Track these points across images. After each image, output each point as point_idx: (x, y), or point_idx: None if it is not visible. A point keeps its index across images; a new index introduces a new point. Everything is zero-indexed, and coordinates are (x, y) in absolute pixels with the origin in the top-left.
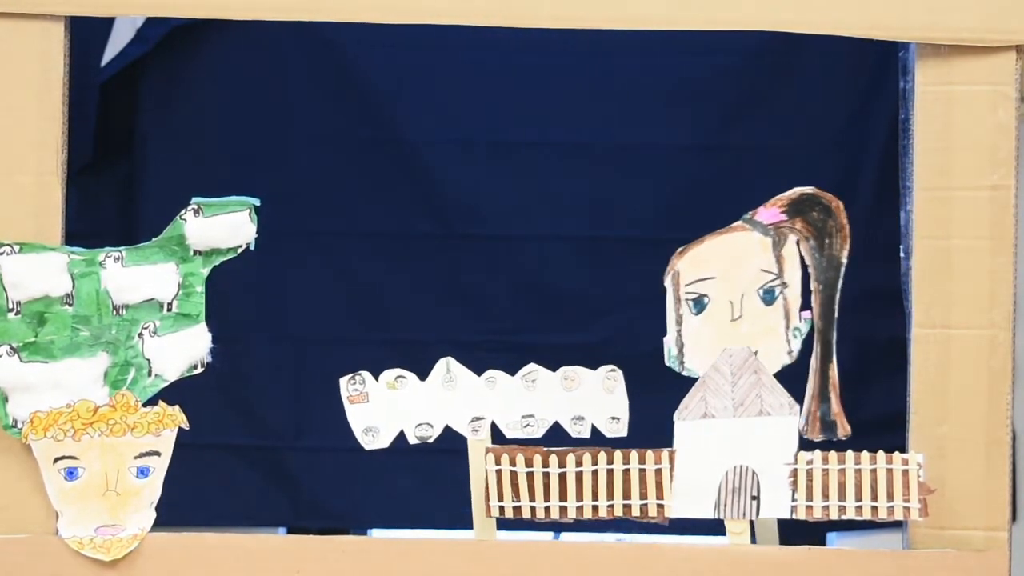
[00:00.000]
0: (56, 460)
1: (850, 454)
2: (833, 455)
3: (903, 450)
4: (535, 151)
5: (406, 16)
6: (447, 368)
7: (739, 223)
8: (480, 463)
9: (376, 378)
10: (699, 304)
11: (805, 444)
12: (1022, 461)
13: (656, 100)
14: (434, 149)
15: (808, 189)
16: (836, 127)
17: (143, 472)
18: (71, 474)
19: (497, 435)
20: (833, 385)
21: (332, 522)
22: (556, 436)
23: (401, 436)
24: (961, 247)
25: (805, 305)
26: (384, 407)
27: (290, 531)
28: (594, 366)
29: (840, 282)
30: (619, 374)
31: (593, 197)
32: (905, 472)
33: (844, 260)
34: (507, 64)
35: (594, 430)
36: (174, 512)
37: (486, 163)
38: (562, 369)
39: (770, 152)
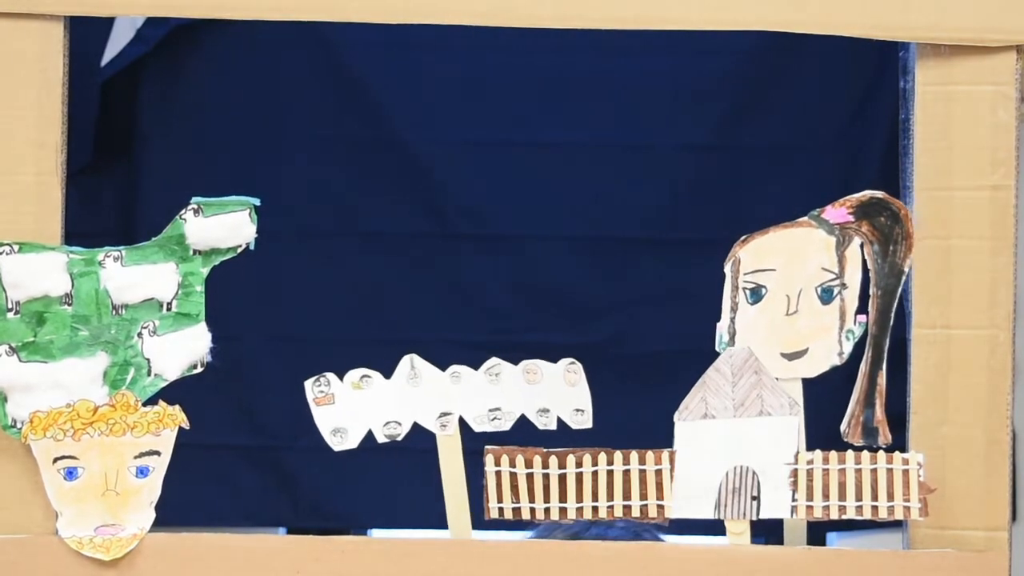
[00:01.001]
0: (55, 460)
1: (850, 454)
2: (833, 455)
3: (903, 450)
4: (535, 151)
5: (406, 16)
6: (411, 365)
7: (805, 219)
8: (451, 460)
9: (341, 379)
10: (756, 294)
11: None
12: (1022, 461)
13: (656, 100)
14: (434, 149)
15: (878, 193)
16: (836, 127)
17: (143, 472)
18: (70, 474)
19: (465, 429)
20: (880, 392)
21: (332, 522)
22: (524, 429)
23: (370, 436)
24: (961, 247)
25: (861, 309)
26: (351, 407)
27: (290, 531)
28: (594, 366)
29: (900, 290)
30: (579, 367)
31: (593, 197)
32: (905, 472)
33: (906, 269)
34: (507, 64)
35: (560, 422)
36: (174, 512)
37: (486, 163)
38: (523, 363)
39: (770, 152)
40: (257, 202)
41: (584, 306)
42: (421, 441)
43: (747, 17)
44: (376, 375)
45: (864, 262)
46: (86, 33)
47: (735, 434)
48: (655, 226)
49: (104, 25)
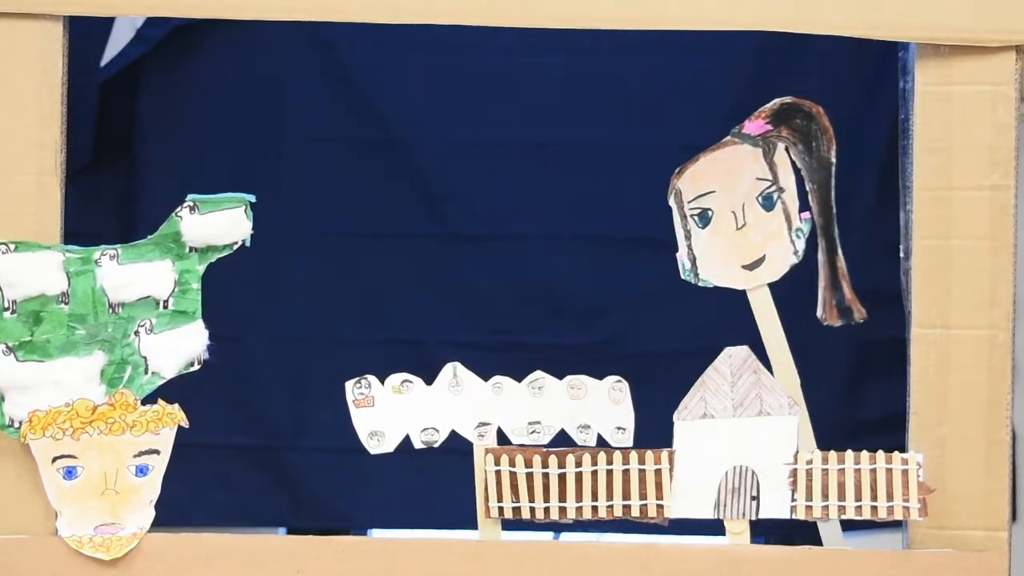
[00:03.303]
0: (55, 459)
1: (850, 454)
2: (833, 455)
3: (903, 450)
4: (535, 151)
5: (406, 16)
6: (453, 373)
7: (728, 138)
8: (483, 467)
9: (382, 382)
10: (704, 218)
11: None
12: (1022, 461)
13: (656, 100)
14: (434, 149)
15: (787, 98)
16: (836, 127)
17: (142, 471)
18: (70, 473)
19: (503, 441)
20: (843, 274)
21: (332, 522)
22: (562, 443)
23: (407, 440)
24: (961, 247)
25: (804, 207)
26: (390, 411)
27: (290, 531)
28: (594, 366)
29: (832, 181)
30: (625, 385)
31: (593, 197)
32: (905, 472)
33: (833, 159)
34: (507, 64)
35: (600, 439)
36: (174, 512)
37: (486, 163)
38: (568, 378)
39: None
40: (252, 198)
41: (584, 306)
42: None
43: (747, 17)
44: (417, 380)
45: (793, 163)
46: (86, 33)
47: (734, 434)
48: (655, 226)
49: (104, 25)
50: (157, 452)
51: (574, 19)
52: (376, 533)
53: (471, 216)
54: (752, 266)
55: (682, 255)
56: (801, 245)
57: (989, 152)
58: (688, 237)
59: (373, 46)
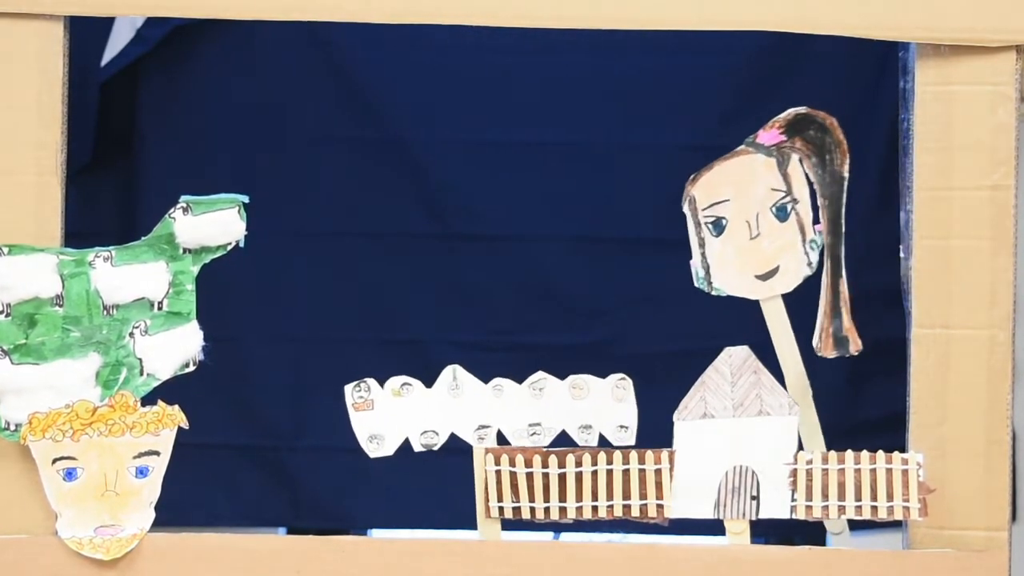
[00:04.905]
0: (55, 461)
1: (850, 454)
2: (833, 455)
3: (903, 450)
4: (535, 151)
5: (406, 16)
6: (453, 376)
7: (742, 147)
8: (483, 467)
9: (382, 385)
10: (718, 226)
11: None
12: (1022, 461)
13: (656, 100)
14: (434, 149)
15: (801, 109)
16: None
17: (142, 472)
18: (70, 475)
19: (503, 444)
20: (844, 300)
21: (332, 522)
22: (563, 444)
23: (406, 443)
24: (961, 247)
25: (817, 219)
26: (389, 415)
27: (290, 531)
28: (594, 365)
29: (844, 197)
30: (629, 383)
31: (593, 197)
32: (905, 472)
33: (846, 175)
34: (507, 64)
35: (602, 439)
36: (174, 512)
37: (486, 163)
38: (570, 378)
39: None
40: (246, 199)
41: (584, 306)
42: None
43: (747, 17)
44: (417, 383)
45: (806, 175)
46: (86, 33)
47: (735, 434)
48: (655, 226)
49: (104, 25)
50: (157, 453)
51: (574, 19)
52: (376, 533)
53: (471, 216)
54: (766, 276)
55: (696, 263)
56: (815, 257)
57: (989, 152)
58: (702, 245)
59: (373, 46)
